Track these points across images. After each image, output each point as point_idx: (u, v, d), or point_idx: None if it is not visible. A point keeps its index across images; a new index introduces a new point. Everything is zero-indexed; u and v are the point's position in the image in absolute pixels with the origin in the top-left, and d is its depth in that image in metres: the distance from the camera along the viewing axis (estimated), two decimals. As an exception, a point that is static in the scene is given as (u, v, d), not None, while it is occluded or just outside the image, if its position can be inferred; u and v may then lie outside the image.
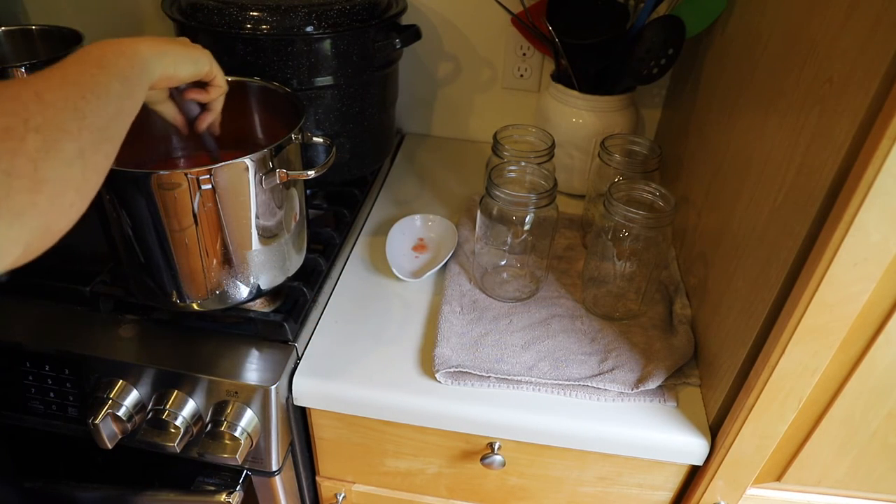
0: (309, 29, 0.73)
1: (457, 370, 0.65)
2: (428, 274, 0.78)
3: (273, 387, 0.62)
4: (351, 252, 0.84)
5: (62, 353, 0.65)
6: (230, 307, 0.66)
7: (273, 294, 0.71)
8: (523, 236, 0.71)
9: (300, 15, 0.73)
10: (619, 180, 0.72)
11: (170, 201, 0.55)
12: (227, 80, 0.69)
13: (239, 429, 0.63)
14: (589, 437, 0.63)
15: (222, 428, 0.63)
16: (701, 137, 0.77)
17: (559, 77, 0.91)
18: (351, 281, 0.79)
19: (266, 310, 0.70)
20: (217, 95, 0.58)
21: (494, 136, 0.80)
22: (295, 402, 0.66)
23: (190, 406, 0.64)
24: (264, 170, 0.58)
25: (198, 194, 0.55)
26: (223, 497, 0.69)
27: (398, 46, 0.81)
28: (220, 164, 0.55)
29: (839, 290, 0.47)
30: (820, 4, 0.51)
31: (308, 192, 0.86)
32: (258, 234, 0.61)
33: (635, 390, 0.64)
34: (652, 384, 0.64)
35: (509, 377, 0.65)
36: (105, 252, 0.64)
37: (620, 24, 0.84)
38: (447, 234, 0.85)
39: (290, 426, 0.68)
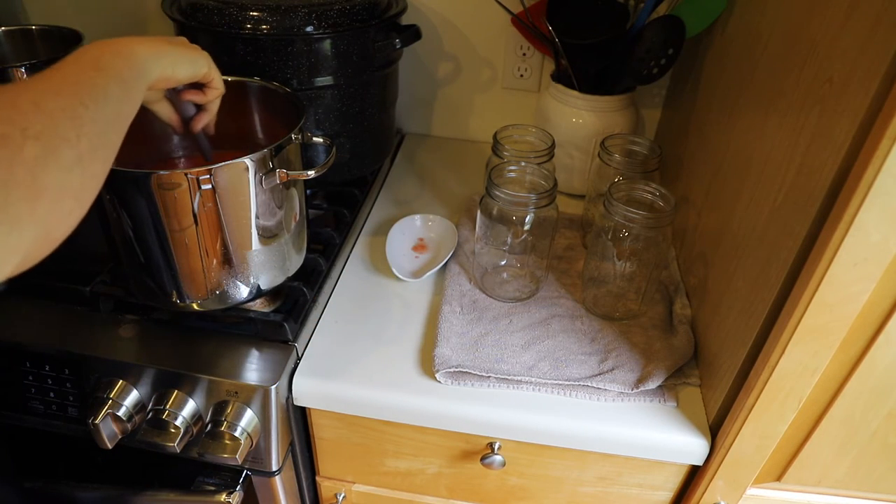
0: (309, 29, 0.73)
1: (457, 370, 0.65)
2: (428, 274, 0.78)
3: (273, 387, 0.62)
4: (351, 252, 0.84)
5: (62, 353, 0.65)
6: (230, 307, 0.66)
7: (273, 294, 0.71)
8: (523, 236, 0.71)
9: (300, 15, 0.73)
10: (619, 180, 0.72)
11: (170, 201, 0.55)
12: (227, 81, 0.69)
13: (239, 429, 0.63)
14: (589, 437, 0.63)
15: (222, 428, 0.63)
16: (701, 137, 0.77)
17: (559, 77, 0.91)
18: (351, 281, 0.79)
19: (266, 310, 0.70)
20: (214, 97, 0.58)
21: (494, 136, 0.80)
22: (295, 402, 0.66)
23: (190, 406, 0.64)
24: (264, 170, 0.58)
25: (198, 194, 0.55)
26: (223, 497, 0.69)
27: (398, 46, 0.81)
28: (220, 164, 0.54)
29: (839, 290, 0.47)
30: (820, 4, 0.51)
31: (308, 192, 0.86)
32: (258, 234, 0.61)
33: (635, 390, 0.64)
34: (652, 384, 0.64)
35: (509, 377, 0.65)
36: (105, 252, 0.64)
37: (620, 24, 0.84)
38: (447, 234, 0.85)
39: (290, 426, 0.68)
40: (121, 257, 0.63)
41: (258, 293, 0.66)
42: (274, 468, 0.69)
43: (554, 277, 0.79)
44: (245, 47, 0.73)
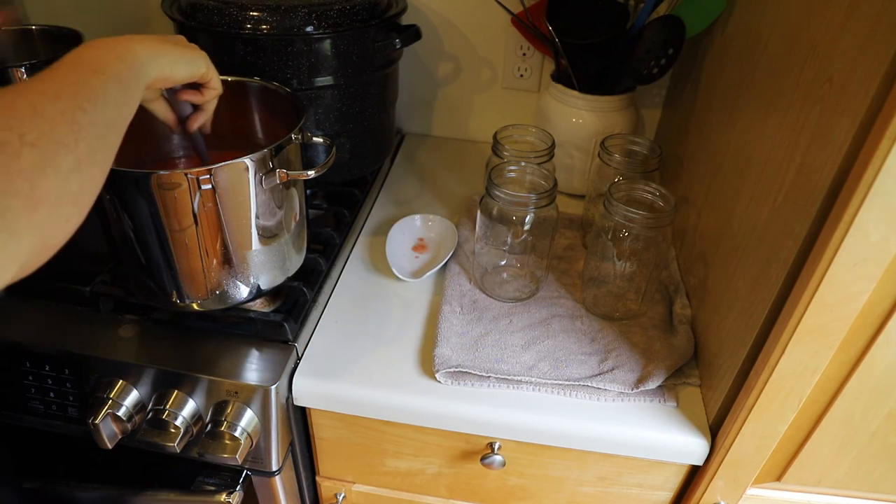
0: (309, 29, 0.73)
1: (457, 370, 0.65)
2: (428, 274, 0.78)
3: (273, 387, 0.62)
4: (351, 252, 0.84)
5: (62, 353, 0.65)
6: (230, 307, 0.66)
7: (273, 294, 0.71)
8: (523, 236, 0.71)
9: (300, 15, 0.73)
10: (619, 180, 0.72)
11: (170, 201, 0.55)
12: (227, 81, 0.69)
13: (239, 429, 0.63)
14: (589, 437, 0.63)
15: (222, 428, 0.63)
16: (701, 137, 0.77)
17: (559, 77, 0.91)
18: (351, 281, 0.79)
19: (266, 310, 0.70)
20: (211, 97, 0.58)
21: (494, 136, 0.80)
22: (295, 402, 0.66)
23: (190, 406, 0.64)
24: (264, 170, 0.58)
25: (198, 194, 0.55)
26: (223, 497, 0.69)
27: (398, 46, 0.81)
28: (221, 164, 0.54)
29: (839, 290, 0.47)
30: (820, 4, 0.51)
31: (308, 192, 0.86)
32: (258, 234, 0.61)
33: (635, 390, 0.64)
34: (652, 384, 0.64)
35: (509, 377, 0.65)
36: (105, 252, 0.64)
37: (620, 24, 0.84)
38: (447, 234, 0.85)
39: (290, 426, 0.68)
40: (121, 257, 0.63)
41: (258, 293, 0.66)
42: (274, 468, 0.69)
43: (554, 277, 0.79)
44: (245, 47, 0.73)
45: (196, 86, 0.56)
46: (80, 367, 0.65)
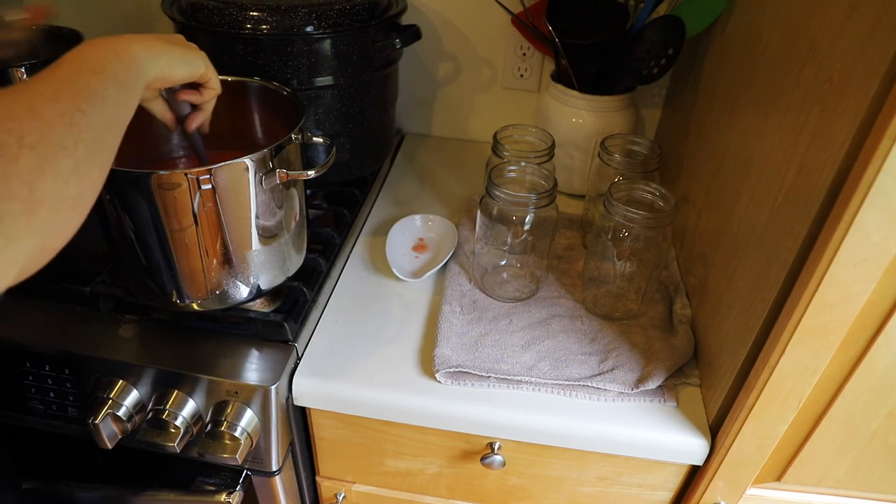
0: (309, 29, 0.73)
1: (457, 370, 0.65)
2: (428, 274, 0.78)
3: (273, 387, 0.62)
4: (351, 252, 0.84)
5: (62, 353, 0.65)
6: (230, 307, 0.66)
7: (273, 294, 0.71)
8: (523, 236, 0.71)
9: (300, 15, 0.73)
10: (619, 180, 0.72)
11: (170, 201, 0.55)
12: (227, 81, 0.69)
13: (239, 429, 0.63)
14: (589, 437, 0.63)
15: (222, 428, 0.63)
16: (701, 137, 0.77)
17: (559, 77, 0.91)
18: (351, 281, 0.79)
19: (266, 310, 0.70)
20: (210, 97, 0.58)
21: (494, 136, 0.80)
22: (295, 402, 0.66)
23: (190, 406, 0.64)
24: (264, 170, 0.58)
25: (198, 194, 0.55)
26: (223, 497, 0.69)
27: (398, 46, 0.81)
28: (221, 164, 0.54)
29: (839, 290, 0.47)
30: (820, 4, 0.51)
31: (308, 192, 0.86)
32: (258, 234, 0.61)
33: (635, 390, 0.64)
34: (652, 384, 0.64)
35: (509, 377, 0.65)
36: (105, 252, 0.64)
37: (620, 24, 0.84)
38: (447, 234, 0.85)
39: (290, 426, 0.68)
40: (121, 257, 0.63)
41: (258, 293, 0.66)
42: (274, 468, 0.69)
43: (554, 277, 0.79)
44: (245, 47, 0.73)
45: (195, 85, 0.56)
46: (80, 367, 0.65)
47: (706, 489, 0.65)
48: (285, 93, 0.69)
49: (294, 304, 0.71)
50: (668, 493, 0.70)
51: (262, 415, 0.64)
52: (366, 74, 0.81)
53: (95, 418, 0.62)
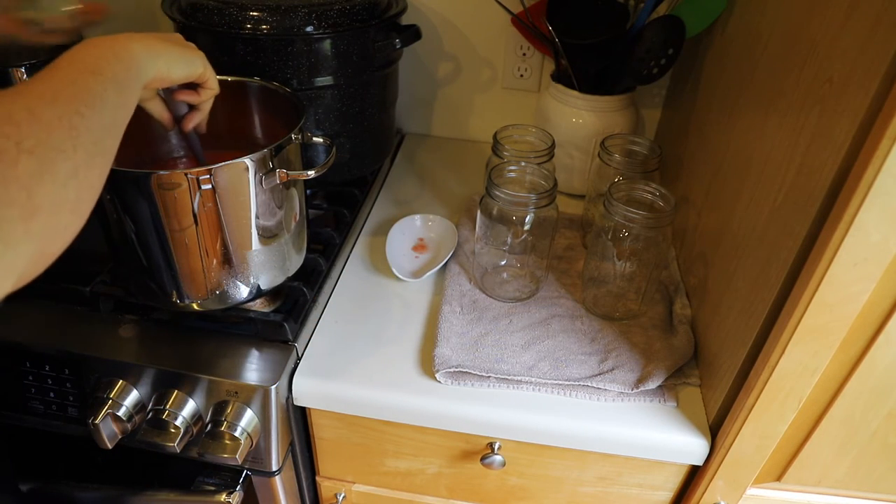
0: (309, 29, 0.73)
1: (457, 370, 0.65)
2: (428, 274, 0.78)
3: (273, 387, 0.62)
4: (351, 252, 0.84)
5: (62, 353, 0.65)
6: (230, 307, 0.66)
7: (273, 294, 0.71)
8: (523, 236, 0.71)
9: (300, 15, 0.73)
10: (619, 180, 0.72)
11: (170, 201, 0.55)
12: (227, 81, 0.69)
13: (239, 429, 0.63)
14: (589, 437, 0.63)
15: (222, 428, 0.63)
16: (701, 137, 0.77)
17: (559, 77, 0.91)
18: (351, 281, 0.79)
19: (266, 310, 0.70)
20: (208, 97, 0.57)
21: (494, 136, 0.80)
22: (295, 402, 0.67)
23: (190, 406, 0.64)
24: (264, 170, 0.58)
25: (198, 194, 0.55)
26: (223, 497, 0.69)
27: (398, 46, 0.81)
28: (221, 164, 0.54)
29: (839, 290, 0.47)
30: (820, 4, 0.51)
31: (308, 192, 0.86)
32: (258, 234, 0.61)
33: (635, 390, 0.64)
34: (652, 384, 0.64)
35: (509, 377, 0.65)
36: (105, 252, 0.64)
37: (620, 24, 0.84)
38: (447, 234, 0.85)
39: (290, 426, 0.68)
40: (121, 257, 0.63)
41: (258, 293, 0.66)
42: (274, 468, 0.69)
43: (554, 277, 0.79)
44: (245, 47, 0.73)
45: (193, 85, 0.56)
46: (80, 367, 0.65)
47: (706, 489, 0.65)
48: (285, 93, 0.69)
49: (294, 304, 0.71)
50: (668, 493, 0.70)
51: (262, 415, 0.64)
52: (366, 74, 0.81)
53: (95, 418, 0.62)
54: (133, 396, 0.64)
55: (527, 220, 0.69)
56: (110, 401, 0.63)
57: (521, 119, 1.06)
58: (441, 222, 0.86)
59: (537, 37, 0.92)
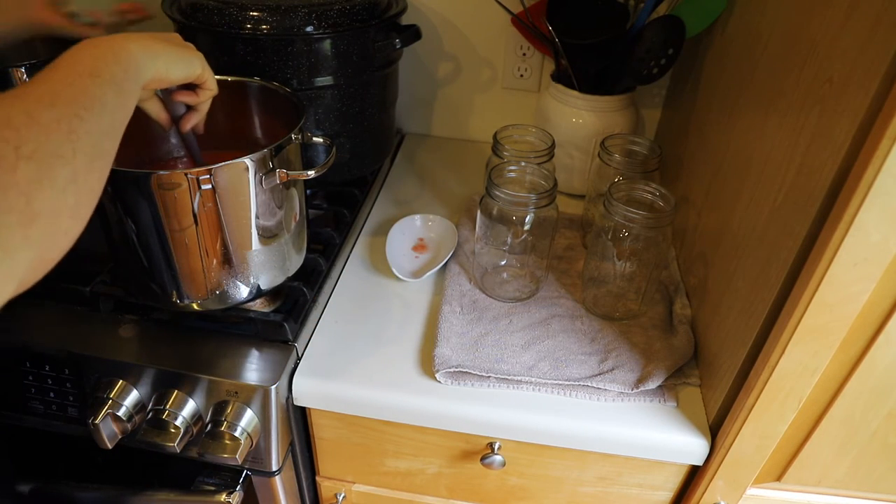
0: (309, 29, 0.73)
1: (457, 370, 0.65)
2: (428, 274, 0.78)
3: (273, 387, 0.62)
4: (351, 252, 0.84)
5: (62, 353, 0.65)
6: (230, 307, 0.66)
7: (273, 294, 0.71)
8: (523, 236, 0.71)
9: (300, 15, 0.73)
10: (619, 180, 0.72)
11: (170, 201, 0.55)
12: (227, 81, 0.69)
13: (239, 429, 0.63)
14: (589, 437, 0.63)
15: (222, 428, 0.63)
16: (701, 137, 0.77)
17: (559, 77, 0.91)
18: (351, 281, 0.79)
19: (266, 310, 0.70)
20: (206, 98, 0.57)
21: (494, 136, 0.80)
22: (295, 402, 0.66)
23: (190, 406, 0.64)
24: (264, 170, 0.58)
25: (198, 194, 0.55)
26: (223, 497, 0.69)
27: (398, 46, 0.81)
28: (221, 164, 0.54)
29: (839, 290, 0.47)
30: (820, 4, 0.51)
31: (308, 192, 0.86)
32: (258, 234, 0.61)
33: (635, 390, 0.64)
34: (652, 384, 0.64)
35: (509, 377, 0.65)
36: (105, 252, 0.64)
37: (620, 24, 0.84)
38: (447, 234, 0.85)
39: (290, 426, 0.68)
40: (121, 257, 0.63)
41: (258, 293, 0.66)
42: (274, 468, 0.69)
43: (554, 277, 0.79)
44: (245, 47, 0.73)
45: (191, 86, 0.56)
46: (80, 367, 0.65)
47: (706, 489, 0.65)
48: (285, 93, 0.69)
49: (294, 304, 0.71)
50: (668, 493, 0.70)
51: (262, 415, 0.64)
52: (366, 74, 0.81)
53: (95, 418, 0.62)
54: (133, 396, 0.65)
55: (527, 220, 0.69)
56: (110, 401, 0.63)
57: (521, 119, 1.06)
58: (441, 222, 0.86)
59: (537, 37, 0.92)
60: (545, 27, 0.85)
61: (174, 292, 0.63)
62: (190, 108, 0.58)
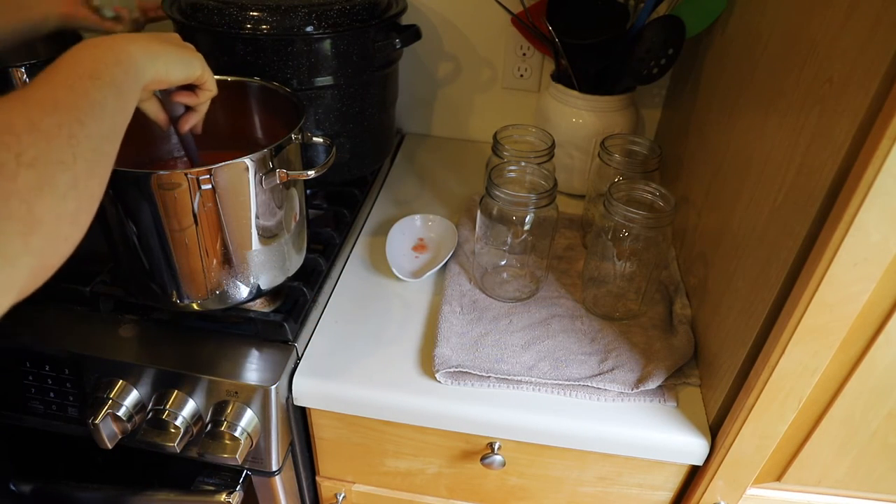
0: (309, 29, 0.73)
1: (457, 370, 0.65)
2: (428, 274, 0.78)
3: (273, 387, 0.62)
4: (351, 252, 0.84)
5: (62, 353, 0.65)
6: (230, 307, 0.66)
7: (273, 294, 0.71)
8: (523, 236, 0.71)
9: (300, 15, 0.73)
10: (619, 180, 0.72)
11: (170, 201, 0.55)
12: (227, 81, 0.69)
13: (239, 429, 0.63)
14: (589, 437, 0.63)
15: (222, 428, 0.63)
16: (701, 137, 0.77)
17: (559, 77, 0.91)
18: (351, 281, 0.79)
19: (266, 310, 0.70)
20: (205, 99, 0.57)
21: (494, 136, 0.80)
22: (295, 402, 0.66)
23: (190, 406, 0.64)
24: (264, 170, 0.58)
25: (198, 194, 0.55)
26: (223, 497, 0.69)
27: (398, 46, 0.81)
28: (221, 164, 0.54)
29: (839, 290, 0.47)
30: (820, 4, 0.51)
31: (308, 192, 0.86)
32: (258, 234, 0.61)
33: (635, 390, 0.64)
34: (652, 384, 0.64)
35: (509, 377, 0.65)
36: (105, 252, 0.64)
37: (620, 24, 0.84)
38: (447, 234, 0.85)
39: (290, 426, 0.68)
40: (121, 257, 0.63)
41: (258, 293, 0.66)
42: (274, 468, 0.69)
43: (554, 277, 0.79)
44: (245, 47, 0.73)
45: (191, 87, 0.56)
46: (80, 367, 0.65)
47: (706, 489, 0.65)
48: (285, 93, 0.69)
49: (294, 304, 0.71)
50: (668, 493, 0.70)
51: (262, 415, 0.64)
52: (366, 74, 0.81)
53: (95, 418, 0.62)
54: (133, 396, 0.65)
55: (527, 220, 0.69)
56: (110, 401, 0.63)
57: (521, 119, 1.06)
58: (441, 222, 0.86)
59: (537, 37, 0.92)
60: (545, 27, 0.85)
61: (174, 292, 0.63)
62: (189, 108, 0.58)
